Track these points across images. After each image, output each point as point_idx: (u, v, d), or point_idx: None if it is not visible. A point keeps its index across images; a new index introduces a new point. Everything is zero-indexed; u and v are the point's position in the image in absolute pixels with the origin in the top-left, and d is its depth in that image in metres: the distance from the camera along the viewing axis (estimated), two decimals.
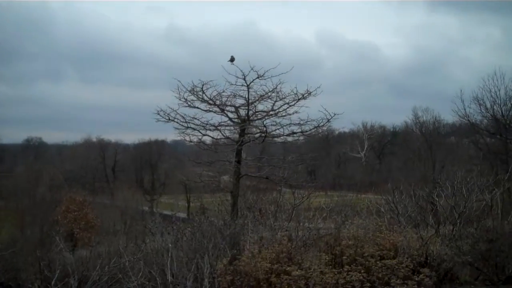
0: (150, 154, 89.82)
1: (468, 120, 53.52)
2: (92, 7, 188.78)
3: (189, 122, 19.25)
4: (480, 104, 50.60)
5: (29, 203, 63.33)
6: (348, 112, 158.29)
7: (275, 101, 19.74)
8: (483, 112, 51.48)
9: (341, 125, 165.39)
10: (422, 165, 70.79)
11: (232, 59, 18.90)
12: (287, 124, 19.67)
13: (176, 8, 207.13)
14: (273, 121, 19.79)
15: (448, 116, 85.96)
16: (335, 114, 19.28)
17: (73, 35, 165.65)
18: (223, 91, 19.20)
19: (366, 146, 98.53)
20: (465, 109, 51.44)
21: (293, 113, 19.52)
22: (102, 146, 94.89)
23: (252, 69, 18.31)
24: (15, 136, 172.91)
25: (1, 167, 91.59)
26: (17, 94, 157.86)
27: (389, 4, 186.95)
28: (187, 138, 19.82)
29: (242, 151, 19.72)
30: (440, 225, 19.33)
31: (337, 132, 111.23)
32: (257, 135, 20.15)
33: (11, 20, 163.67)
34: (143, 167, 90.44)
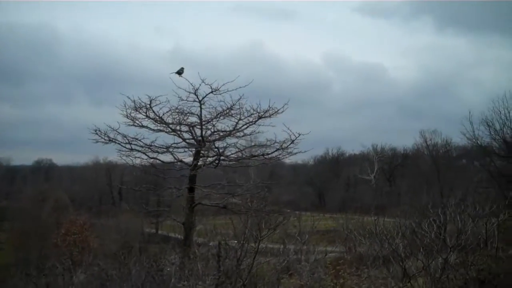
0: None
1: (477, 142, 50.84)
2: (100, 29, 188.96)
3: (131, 143, 16.47)
4: (489, 126, 47.81)
5: (33, 225, 61.77)
6: (358, 134, 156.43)
7: (239, 120, 16.93)
8: (492, 134, 48.66)
9: (352, 148, 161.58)
10: (430, 188, 67.38)
11: (180, 71, 16.09)
12: (249, 147, 16.78)
13: (182, 29, 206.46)
14: (236, 143, 16.97)
15: (457, 139, 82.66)
16: (299, 135, 16.37)
17: (81, 57, 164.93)
18: (176, 108, 16.45)
19: (376, 169, 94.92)
20: (473, 131, 48.76)
21: (251, 134, 16.70)
22: (109, 168, 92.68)
23: (203, 81, 15.53)
24: (26, 157, 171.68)
25: (11, 189, 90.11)
26: (28, 115, 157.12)
27: (396, 25, 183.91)
28: (129, 161, 17.05)
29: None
30: (429, 259, 16.78)
31: (347, 155, 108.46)
32: (213, 158, 17.25)
33: (21, 42, 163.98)
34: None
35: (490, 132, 48.39)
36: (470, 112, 48.72)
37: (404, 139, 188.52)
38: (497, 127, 47.65)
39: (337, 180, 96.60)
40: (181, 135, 16.98)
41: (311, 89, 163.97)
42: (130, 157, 17.00)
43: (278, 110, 16.69)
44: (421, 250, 17.66)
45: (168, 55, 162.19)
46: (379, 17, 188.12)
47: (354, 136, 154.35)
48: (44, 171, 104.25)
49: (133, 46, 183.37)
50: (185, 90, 15.94)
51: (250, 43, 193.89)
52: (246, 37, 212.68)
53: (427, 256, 17.18)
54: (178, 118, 16.78)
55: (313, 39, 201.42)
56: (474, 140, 50.35)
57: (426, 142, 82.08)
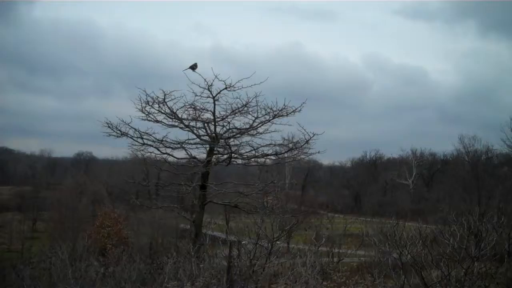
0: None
1: None
2: (140, 25, 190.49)
3: (143, 138, 16.20)
4: None
5: (70, 216, 62.79)
6: (396, 137, 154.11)
7: (256, 118, 16.47)
8: None
9: (390, 151, 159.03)
10: (468, 196, 65.48)
11: (193, 67, 15.71)
12: (261, 146, 16.27)
13: (222, 28, 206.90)
14: (249, 141, 16.49)
15: (497, 146, 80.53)
16: (314, 135, 15.77)
17: (121, 53, 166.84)
18: (191, 104, 16.10)
19: (414, 173, 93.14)
20: None
21: (264, 132, 16.20)
22: (147, 162, 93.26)
23: (216, 77, 15.12)
24: (67, 150, 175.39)
25: (52, 180, 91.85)
26: (69, 108, 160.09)
27: (437, 28, 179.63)
28: (140, 156, 16.82)
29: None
30: (450, 269, 16.08)
31: (385, 158, 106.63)
32: (226, 156, 16.82)
33: (62, 37, 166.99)
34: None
35: None
36: (511, 119, 47.12)
37: (443, 144, 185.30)
38: None
39: (374, 183, 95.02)
40: (195, 131, 16.64)
41: (349, 90, 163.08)
42: (141, 152, 16.78)
43: (296, 109, 16.17)
44: (443, 259, 16.97)
45: (207, 53, 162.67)
46: (420, 19, 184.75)
47: (393, 140, 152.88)
48: (84, 164, 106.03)
49: (172, 44, 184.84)
50: (199, 86, 15.61)
51: (289, 43, 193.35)
52: (286, 37, 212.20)
53: (448, 265, 16.50)
54: (193, 114, 16.47)
55: (352, 40, 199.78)
56: None
57: (465, 148, 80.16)
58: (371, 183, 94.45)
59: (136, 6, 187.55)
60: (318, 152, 16.56)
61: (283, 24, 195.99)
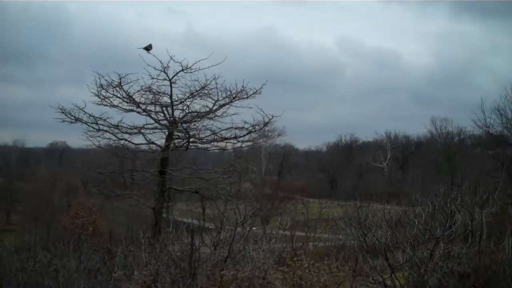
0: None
1: (488, 130, 49.53)
2: (109, 9, 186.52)
3: (98, 123, 15.66)
4: (501, 114, 46.40)
5: (44, 207, 61.90)
6: (371, 121, 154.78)
7: (216, 101, 16.02)
8: (504, 123, 47.26)
9: (365, 135, 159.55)
10: (441, 177, 65.83)
11: (148, 47, 15.13)
12: (221, 130, 15.83)
13: (195, 12, 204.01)
14: (208, 125, 16.02)
15: (469, 127, 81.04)
16: (273, 117, 15.38)
17: (91, 38, 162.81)
18: (148, 87, 15.57)
19: (389, 156, 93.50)
20: (485, 120, 47.34)
21: (223, 115, 15.77)
22: (121, 151, 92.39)
23: (171, 58, 14.59)
24: (41, 140, 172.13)
25: (26, 171, 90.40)
26: (41, 97, 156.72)
27: (410, 10, 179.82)
28: (95, 143, 16.29)
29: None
30: (415, 251, 15.93)
31: (360, 142, 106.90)
32: (184, 141, 16.35)
33: (32, 22, 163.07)
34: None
35: (502, 121, 47.15)
36: (482, 100, 47.31)
37: (417, 126, 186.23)
38: (510, 115, 46.46)
39: (350, 167, 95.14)
40: (153, 116, 16.13)
41: (324, 74, 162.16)
42: (96, 138, 16.25)
43: (256, 91, 15.77)
44: (409, 241, 16.85)
45: (180, 37, 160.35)
46: (393, 1, 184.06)
47: (368, 123, 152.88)
48: (58, 154, 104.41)
49: (144, 28, 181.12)
50: (155, 68, 15.09)
51: (263, 28, 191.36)
52: (260, 21, 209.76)
53: (413, 248, 16.38)
54: (151, 98, 15.96)
55: (326, 24, 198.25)
56: (485, 128, 49.21)
57: (437, 130, 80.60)
58: (347, 167, 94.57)
59: None
60: (278, 136, 16.23)
61: (257, 8, 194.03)
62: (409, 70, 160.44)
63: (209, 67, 14.82)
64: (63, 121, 15.54)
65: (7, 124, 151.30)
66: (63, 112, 15.44)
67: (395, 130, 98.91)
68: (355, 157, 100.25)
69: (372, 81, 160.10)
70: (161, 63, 14.92)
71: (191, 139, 16.08)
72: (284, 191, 76.72)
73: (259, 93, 15.71)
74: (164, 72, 15.20)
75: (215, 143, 16.84)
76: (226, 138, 16.32)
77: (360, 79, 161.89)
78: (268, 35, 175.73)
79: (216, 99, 15.93)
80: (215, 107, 15.96)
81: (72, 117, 15.52)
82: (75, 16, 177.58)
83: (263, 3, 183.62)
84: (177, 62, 14.80)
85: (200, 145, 16.86)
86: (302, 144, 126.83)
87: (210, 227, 14.57)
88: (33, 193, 67.65)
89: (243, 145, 17.29)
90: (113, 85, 15.46)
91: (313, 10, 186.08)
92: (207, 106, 16.04)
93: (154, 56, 14.95)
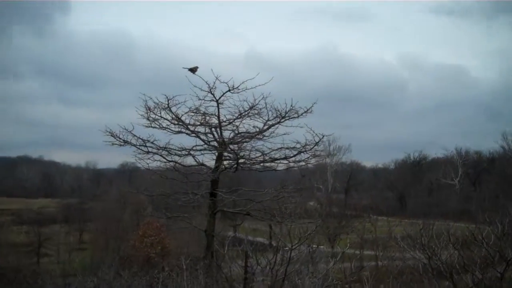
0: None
1: None
2: (171, 34, 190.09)
3: (147, 146, 15.50)
4: None
5: (115, 227, 63.25)
6: (438, 137, 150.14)
7: (267, 121, 15.58)
8: None
9: (433, 151, 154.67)
10: None
11: (194, 69, 14.86)
12: (272, 150, 15.31)
13: (256, 33, 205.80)
14: (258, 146, 15.56)
15: None
16: (323, 136, 14.73)
17: (154, 61, 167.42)
18: (196, 108, 15.32)
19: (460, 173, 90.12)
20: None
21: (271, 135, 15.24)
22: (171, 173, 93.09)
23: (217, 78, 14.26)
24: (112, 161, 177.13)
25: (97, 191, 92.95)
26: (109, 120, 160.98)
27: (476, 25, 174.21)
28: (144, 165, 16.14)
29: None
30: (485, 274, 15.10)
31: (429, 158, 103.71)
32: (234, 162, 15.94)
33: (97, 48, 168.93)
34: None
35: None
36: None
37: (487, 141, 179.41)
38: None
39: (419, 184, 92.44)
40: (201, 137, 15.85)
41: (386, 90, 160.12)
42: (146, 160, 16.11)
43: (307, 110, 15.21)
44: (477, 264, 15.86)
45: (241, 59, 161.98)
46: (457, 17, 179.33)
47: (434, 139, 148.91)
48: (127, 174, 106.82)
49: (205, 51, 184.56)
50: (201, 89, 14.82)
51: (323, 45, 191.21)
52: (320, 39, 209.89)
53: (482, 270, 15.39)
54: (200, 119, 15.70)
55: (387, 39, 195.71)
56: None
57: (509, 145, 77.04)
58: (416, 184, 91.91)
59: (164, 12, 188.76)
60: (328, 156, 15.56)
61: (316, 26, 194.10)
62: (476, 85, 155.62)
63: (256, 86, 14.41)
64: (112, 144, 15.51)
65: (79, 147, 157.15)
66: (112, 135, 15.40)
67: (466, 146, 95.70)
68: (424, 174, 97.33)
69: (436, 97, 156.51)
70: (207, 84, 14.62)
71: (240, 160, 15.64)
72: (351, 209, 75.13)
73: (310, 112, 15.17)
74: (211, 93, 14.90)
75: (264, 164, 16.34)
76: (276, 159, 15.80)
77: (423, 94, 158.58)
78: (328, 53, 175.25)
79: (266, 118, 15.48)
80: (265, 127, 15.49)
81: (121, 140, 15.45)
82: (138, 40, 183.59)
83: (322, 20, 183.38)
84: (223, 82, 14.47)
85: (248, 166, 16.43)
86: (368, 161, 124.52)
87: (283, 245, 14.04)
88: (104, 213, 69.23)
89: (295, 166, 16.67)
90: (161, 107, 15.29)
91: (372, 26, 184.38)
92: (256, 127, 15.62)
93: (200, 77, 14.67)
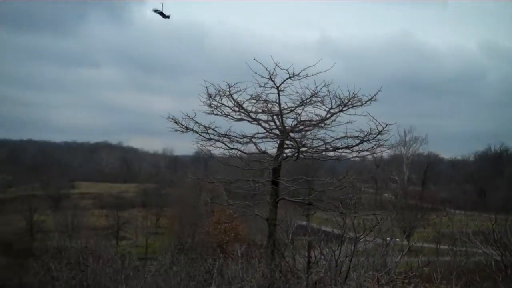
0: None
1: None
2: (243, 23, 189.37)
3: (209, 133, 15.46)
4: None
5: (190, 213, 64.25)
6: None
7: (330, 109, 15.16)
8: None
9: None
10: None
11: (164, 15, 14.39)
12: (334, 139, 14.84)
13: (328, 20, 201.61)
14: (320, 134, 15.16)
15: None
16: (386, 125, 14.10)
17: (224, 50, 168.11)
18: (257, 95, 15.11)
19: None
20: None
21: (332, 124, 14.76)
22: (233, 161, 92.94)
23: (276, 65, 13.95)
24: (187, 148, 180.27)
25: (174, 177, 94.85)
26: (184, 107, 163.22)
27: None
28: (206, 151, 16.14)
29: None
30: None
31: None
32: (295, 150, 15.59)
33: (173, 37, 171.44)
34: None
35: None
36: None
37: None
38: None
39: (501, 177, 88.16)
40: (263, 124, 15.63)
41: (464, 78, 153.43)
42: (208, 147, 16.13)
43: (372, 98, 14.61)
44: None
45: (313, 46, 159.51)
46: None
47: None
48: (203, 161, 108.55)
49: (276, 38, 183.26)
50: (261, 76, 14.58)
51: (399, 33, 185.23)
52: (395, 26, 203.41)
53: None
54: (261, 106, 15.50)
55: (467, 25, 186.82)
56: None
57: None
58: (497, 177, 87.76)
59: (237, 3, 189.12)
60: (392, 147, 14.92)
61: (392, 14, 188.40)
62: None
63: (317, 73, 13.98)
64: (176, 130, 15.65)
65: (156, 133, 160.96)
66: (175, 122, 15.51)
67: None
68: (506, 166, 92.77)
69: None
70: (268, 70, 14.35)
71: (302, 149, 15.30)
72: (428, 201, 72.81)
73: (375, 100, 14.56)
74: (271, 80, 14.63)
75: (326, 153, 15.93)
76: (338, 148, 15.33)
77: (504, 82, 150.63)
78: (404, 40, 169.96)
79: (329, 106, 15.02)
80: (327, 116, 15.06)
81: (183, 127, 15.53)
82: (209, 29, 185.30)
83: (398, 7, 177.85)
84: (283, 69, 14.15)
85: (310, 155, 16.05)
86: (447, 153, 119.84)
87: (349, 237, 13.72)
88: (179, 199, 70.46)
89: (358, 156, 16.11)
90: (222, 94, 15.20)
91: (452, 12, 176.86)
92: (318, 115, 15.19)
93: (260, 63, 14.41)
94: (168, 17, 14.60)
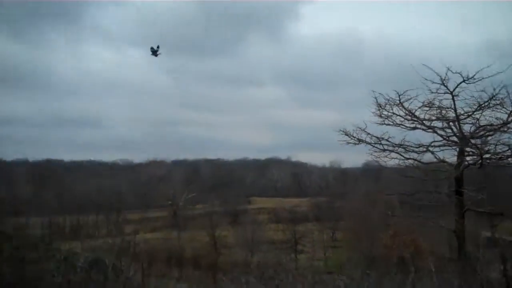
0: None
1: None
2: (398, 30, 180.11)
3: (382, 144, 15.00)
4: None
5: (364, 226, 63.53)
6: None
7: (511, 111, 14.03)
8: None
9: None
10: None
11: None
12: None
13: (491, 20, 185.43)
14: (504, 139, 13.99)
15: None
16: None
17: (382, 58, 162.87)
18: (429, 102, 14.44)
19: None
20: None
21: None
22: (411, 171, 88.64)
23: (448, 69, 13.20)
24: (355, 161, 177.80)
25: (344, 190, 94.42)
26: (344, 119, 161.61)
27: None
28: (382, 163, 15.64)
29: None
30: None
31: None
32: (477, 157, 14.50)
33: (328, 49, 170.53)
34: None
35: None
36: None
37: None
38: None
39: None
40: (439, 132, 14.84)
41: None
42: (383, 158, 15.70)
43: None
44: None
45: (473, 48, 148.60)
46: None
47: None
48: (372, 173, 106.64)
49: (437, 42, 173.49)
50: (432, 82, 13.88)
51: None
52: None
53: None
54: (434, 113, 14.76)
55: None
56: None
57: None
58: None
59: (392, 9, 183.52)
60: None
61: None
62: None
63: (494, 74, 12.95)
64: (347, 143, 15.52)
65: (323, 147, 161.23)
66: (346, 134, 15.41)
67: None
68: None
69: None
70: (439, 76, 13.66)
71: (485, 155, 14.25)
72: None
73: None
74: (444, 85, 13.91)
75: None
76: None
77: None
78: None
79: (511, 109, 13.87)
80: (509, 119, 13.89)
81: (355, 139, 15.36)
82: (367, 39, 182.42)
83: None
84: (456, 73, 13.37)
85: (496, 162, 14.84)
86: None
87: None
88: (353, 212, 69.76)
89: None
90: (392, 103, 14.77)
91: None
92: (500, 118, 14.08)
93: (431, 69, 13.78)
94: (156, 54, 15.66)
